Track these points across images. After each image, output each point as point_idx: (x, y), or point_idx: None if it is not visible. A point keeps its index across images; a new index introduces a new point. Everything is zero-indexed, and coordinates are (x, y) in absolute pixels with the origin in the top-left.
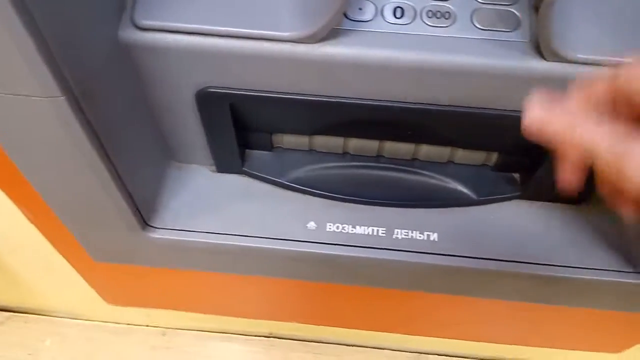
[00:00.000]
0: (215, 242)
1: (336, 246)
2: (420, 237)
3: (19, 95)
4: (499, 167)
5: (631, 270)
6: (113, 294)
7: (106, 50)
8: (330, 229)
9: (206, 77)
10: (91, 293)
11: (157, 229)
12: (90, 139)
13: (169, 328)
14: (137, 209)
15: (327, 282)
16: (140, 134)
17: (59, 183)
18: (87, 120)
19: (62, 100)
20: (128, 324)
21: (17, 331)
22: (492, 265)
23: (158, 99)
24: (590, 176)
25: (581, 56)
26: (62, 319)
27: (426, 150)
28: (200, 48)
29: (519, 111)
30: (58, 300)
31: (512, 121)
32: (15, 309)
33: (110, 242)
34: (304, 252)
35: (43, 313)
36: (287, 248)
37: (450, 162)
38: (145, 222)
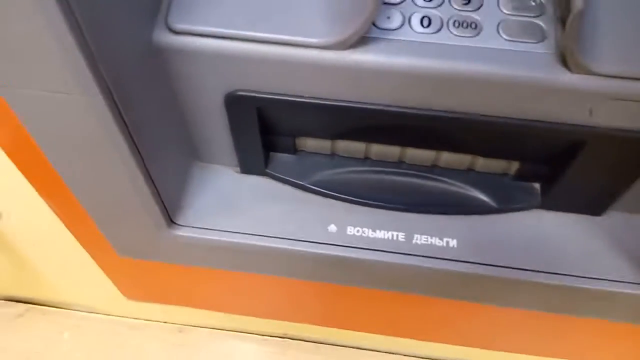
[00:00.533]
0: (237, 241)
1: (356, 249)
2: (439, 243)
3: (58, 92)
4: (520, 177)
5: None
6: (132, 289)
7: (141, 52)
8: (350, 232)
9: (236, 81)
10: (110, 288)
11: (181, 227)
12: (125, 137)
13: (185, 325)
14: (164, 206)
15: (345, 285)
16: (169, 134)
17: (91, 179)
18: (122, 119)
19: (99, 98)
20: (145, 320)
21: (35, 323)
22: (510, 273)
23: (188, 100)
24: (612, 187)
25: (607, 69)
26: (81, 312)
27: (447, 158)
28: (232, 52)
29: (543, 121)
30: (77, 294)
31: (535, 131)
32: (34, 301)
33: (136, 238)
34: (324, 254)
35: (62, 306)
36: (308, 250)
37: (471, 169)
38: (170, 220)
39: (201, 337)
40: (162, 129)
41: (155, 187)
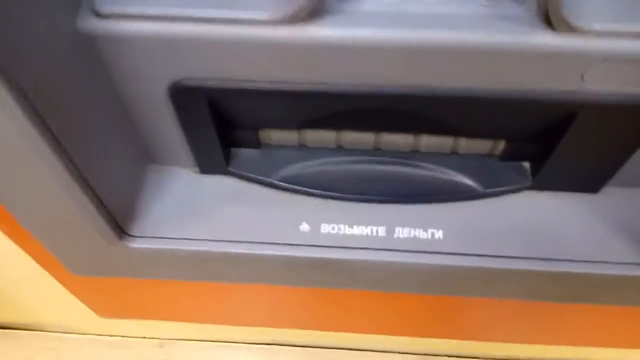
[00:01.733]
0: (201, 249)
1: (332, 249)
2: (423, 235)
3: None
4: (507, 156)
5: None
6: (103, 307)
7: (63, 41)
8: (325, 230)
9: (179, 68)
10: (83, 306)
11: (136, 238)
12: (49, 141)
13: (166, 339)
14: (112, 216)
15: (325, 288)
16: (113, 135)
17: (22, 192)
18: (43, 121)
19: (8, 98)
20: (123, 337)
21: (7, 348)
22: (503, 263)
23: (129, 95)
24: (608, 161)
25: (596, 26)
26: (55, 333)
27: (427, 141)
28: (169, 35)
29: (529, 92)
30: (49, 315)
31: (521, 104)
32: (5, 326)
33: (86, 254)
34: (297, 256)
35: (34, 328)
36: (279, 253)
37: (454, 152)
38: (122, 231)
39: (184, 351)
40: (104, 129)
41: (98, 196)
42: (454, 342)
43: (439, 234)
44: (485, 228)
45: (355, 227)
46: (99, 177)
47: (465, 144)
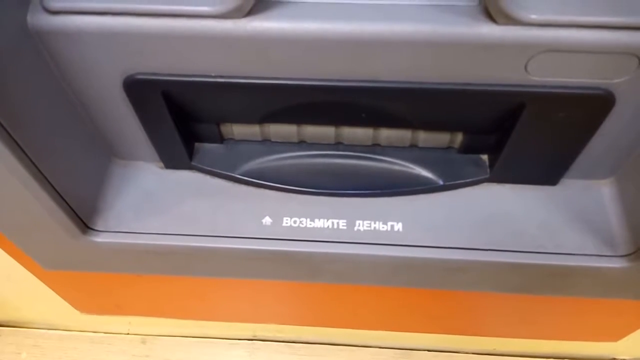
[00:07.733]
0: (164, 243)
1: (293, 242)
2: (383, 227)
3: None
4: (465, 149)
5: (612, 254)
6: (82, 303)
7: (13, 37)
8: (287, 223)
9: (131, 63)
10: (66, 303)
11: (100, 232)
12: (3, 138)
13: (149, 335)
14: (74, 211)
15: (290, 281)
16: (71, 131)
17: None
18: None
19: None
20: (107, 333)
21: None
22: (461, 254)
23: (84, 91)
24: (563, 152)
25: (535, 17)
26: (38, 330)
27: (387, 135)
28: (119, 29)
29: (474, 84)
30: (32, 312)
31: (468, 96)
32: None
33: (53, 249)
34: (260, 249)
35: (18, 325)
36: (241, 246)
37: (414, 146)
38: (86, 225)
39: (166, 347)
40: (59, 125)
41: (57, 191)
42: (433, 336)
43: (398, 227)
44: (444, 220)
45: (316, 220)
46: (58, 171)
47: (424, 137)
